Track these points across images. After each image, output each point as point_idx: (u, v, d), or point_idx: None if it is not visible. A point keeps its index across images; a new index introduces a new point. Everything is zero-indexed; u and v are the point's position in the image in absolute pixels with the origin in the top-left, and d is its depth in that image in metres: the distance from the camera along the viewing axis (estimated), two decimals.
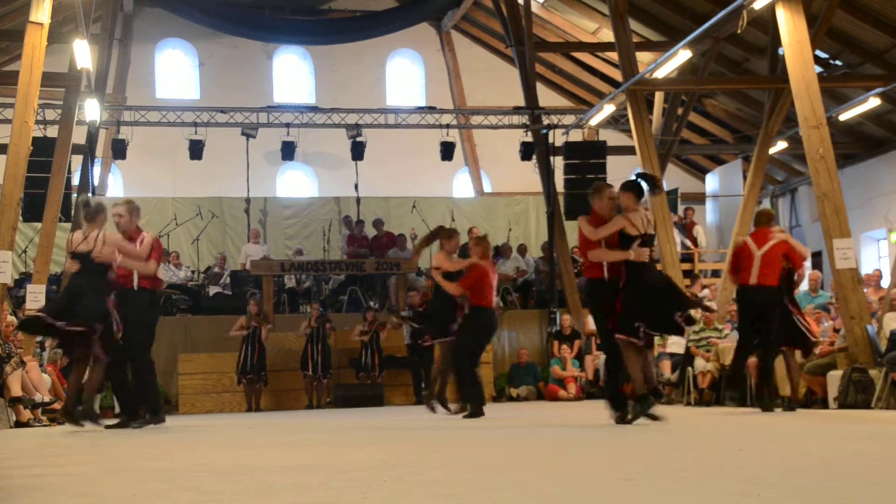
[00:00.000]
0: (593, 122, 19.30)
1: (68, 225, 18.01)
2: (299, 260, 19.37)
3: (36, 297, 14.21)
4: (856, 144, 20.29)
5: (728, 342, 13.73)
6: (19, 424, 11.75)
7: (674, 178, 23.64)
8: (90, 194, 18.17)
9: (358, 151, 19.75)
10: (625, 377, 8.47)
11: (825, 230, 12.19)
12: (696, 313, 15.73)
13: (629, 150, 18.07)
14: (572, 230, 20.99)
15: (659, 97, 19.56)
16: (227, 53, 23.45)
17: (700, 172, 24.59)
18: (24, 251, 19.17)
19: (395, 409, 15.20)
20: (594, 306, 8.87)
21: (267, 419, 12.13)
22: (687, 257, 19.54)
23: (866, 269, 16.82)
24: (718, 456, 5.17)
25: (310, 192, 24.00)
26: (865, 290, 13.13)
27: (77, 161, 18.13)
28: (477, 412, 10.56)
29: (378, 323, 16.96)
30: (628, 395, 8.42)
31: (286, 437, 7.68)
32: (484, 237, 11.61)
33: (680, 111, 19.55)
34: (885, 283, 15.96)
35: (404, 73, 24.87)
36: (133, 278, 9.54)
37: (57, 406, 13.02)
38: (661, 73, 16.34)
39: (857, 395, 10.88)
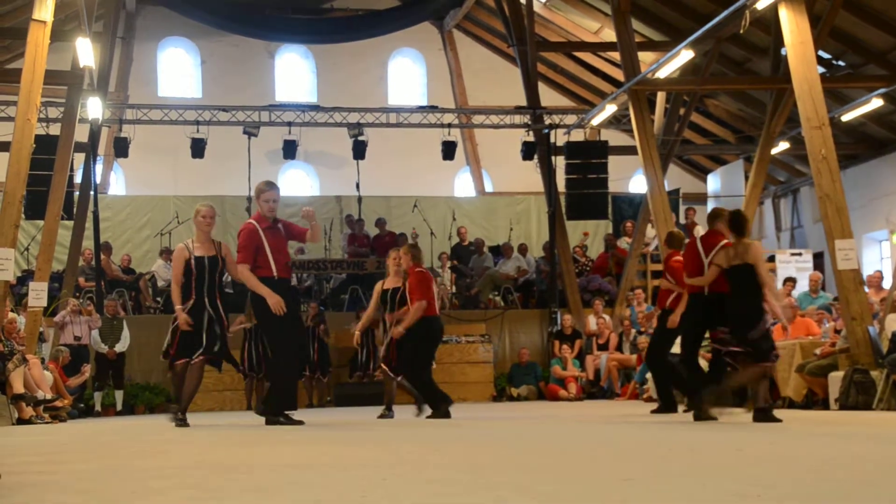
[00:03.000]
0: (595, 121, 19.30)
1: (70, 223, 18.05)
2: (300, 259, 19.38)
3: (38, 295, 14.21)
4: (858, 145, 20.28)
5: None
6: (21, 421, 11.76)
7: (675, 178, 23.63)
8: (92, 192, 18.20)
9: (359, 150, 19.75)
10: None
11: (827, 231, 12.18)
12: None
13: (631, 151, 18.08)
14: (573, 230, 21.10)
15: (661, 97, 19.55)
16: (228, 52, 23.46)
17: (702, 173, 24.59)
18: (27, 249, 19.19)
19: (395, 408, 15.17)
20: None
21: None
22: None
23: (868, 270, 16.82)
24: (718, 456, 5.17)
25: (311, 191, 24.01)
26: (867, 291, 13.14)
27: (79, 159, 18.16)
28: (446, 412, 10.79)
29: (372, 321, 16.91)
30: None
31: (286, 436, 7.68)
32: (415, 245, 11.83)
33: (682, 111, 19.54)
34: (887, 284, 15.95)
35: (406, 73, 24.88)
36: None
37: (59, 403, 13.02)
38: (663, 73, 16.32)
39: (858, 397, 10.88)
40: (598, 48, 21.64)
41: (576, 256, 20.23)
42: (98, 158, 19.11)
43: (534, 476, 4.28)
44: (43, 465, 5.41)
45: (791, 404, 11.85)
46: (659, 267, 17.84)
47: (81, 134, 17.38)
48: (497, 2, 20.22)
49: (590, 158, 19.16)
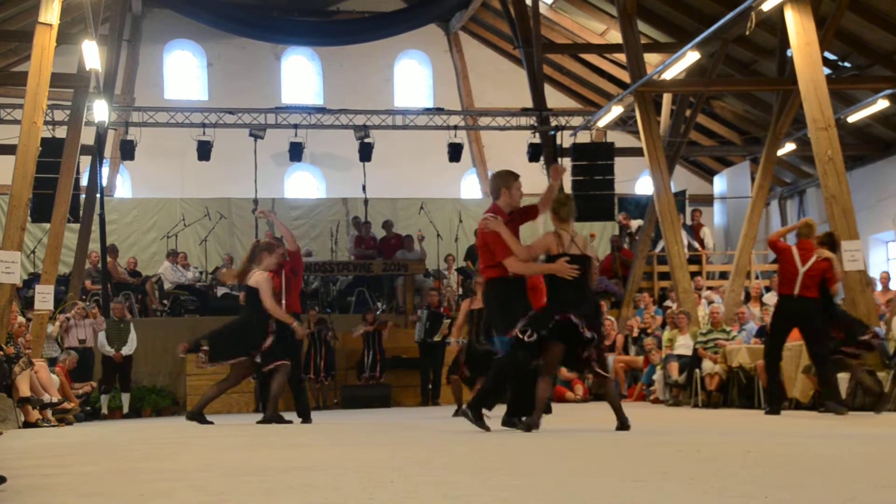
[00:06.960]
0: (601, 123, 19.31)
1: (76, 226, 18.08)
2: (307, 261, 19.37)
3: (44, 298, 14.22)
4: (864, 146, 20.25)
5: (735, 344, 13.71)
6: (28, 425, 11.75)
7: (682, 179, 23.61)
8: (98, 195, 18.21)
9: (366, 152, 19.76)
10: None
11: (833, 232, 12.16)
12: (699, 312, 15.73)
13: (637, 152, 18.06)
14: (580, 231, 20.98)
15: (667, 99, 19.54)
16: (235, 54, 23.49)
17: (708, 174, 24.56)
18: (33, 252, 19.23)
19: (402, 410, 15.21)
20: None
21: None
22: (694, 259, 19.53)
23: (874, 272, 16.79)
24: (726, 458, 5.16)
25: (317, 194, 24.03)
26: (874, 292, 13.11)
27: (85, 162, 18.17)
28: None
29: (379, 322, 16.95)
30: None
31: (293, 438, 7.69)
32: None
33: (688, 113, 19.52)
34: (894, 285, 15.93)
35: (412, 75, 24.89)
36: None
37: (67, 406, 13.02)
38: (669, 75, 16.32)
39: (865, 398, 10.86)
40: (603, 50, 21.63)
41: None
42: (104, 161, 19.14)
43: (541, 477, 4.28)
44: (50, 468, 5.42)
45: (798, 406, 11.83)
46: (665, 269, 17.85)
47: (87, 137, 17.40)
48: (503, 4, 20.22)
49: (596, 160, 19.16)
